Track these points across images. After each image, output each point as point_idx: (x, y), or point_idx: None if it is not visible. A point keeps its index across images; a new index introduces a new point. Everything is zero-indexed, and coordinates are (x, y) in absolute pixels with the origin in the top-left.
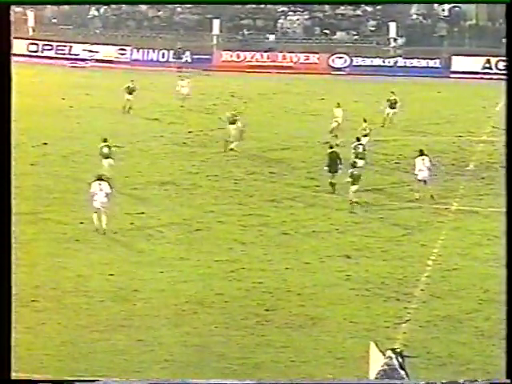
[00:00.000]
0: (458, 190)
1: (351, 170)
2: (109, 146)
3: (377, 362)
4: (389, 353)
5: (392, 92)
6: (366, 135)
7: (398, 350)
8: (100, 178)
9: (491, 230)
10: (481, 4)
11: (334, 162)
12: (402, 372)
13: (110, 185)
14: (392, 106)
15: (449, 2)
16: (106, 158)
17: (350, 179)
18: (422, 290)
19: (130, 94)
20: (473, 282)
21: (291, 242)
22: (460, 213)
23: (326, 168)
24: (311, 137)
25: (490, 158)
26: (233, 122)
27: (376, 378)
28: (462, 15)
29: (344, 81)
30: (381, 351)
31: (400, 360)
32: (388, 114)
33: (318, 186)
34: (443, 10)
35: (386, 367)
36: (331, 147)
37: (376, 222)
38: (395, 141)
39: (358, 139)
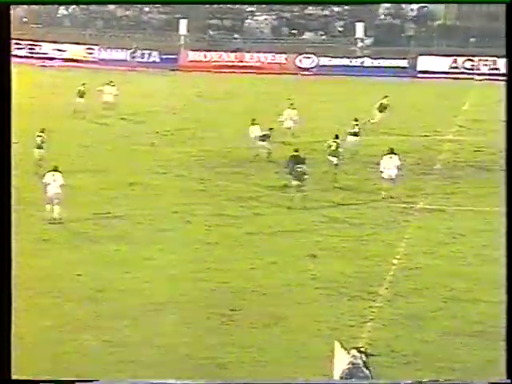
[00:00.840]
0: (425, 189)
1: (297, 167)
2: (42, 137)
3: (341, 360)
4: (353, 352)
5: (385, 96)
6: (355, 134)
7: (363, 349)
8: (54, 169)
9: (457, 229)
10: (449, 4)
11: (295, 162)
12: (366, 371)
13: (62, 176)
14: (381, 109)
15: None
16: (39, 148)
17: (290, 176)
18: (386, 288)
19: (81, 97)
20: (438, 281)
21: (257, 242)
22: (426, 212)
23: (288, 167)
24: (276, 136)
25: (457, 157)
26: (263, 140)
27: (341, 378)
28: (430, 15)
29: (311, 81)
30: (345, 350)
31: (364, 359)
32: (378, 117)
33: (284, 186)
34: (411, 10)
35: (350, 366)
36: (296, 150)
37: (342, 221)
38: (367, 140)
39: (337, 137)
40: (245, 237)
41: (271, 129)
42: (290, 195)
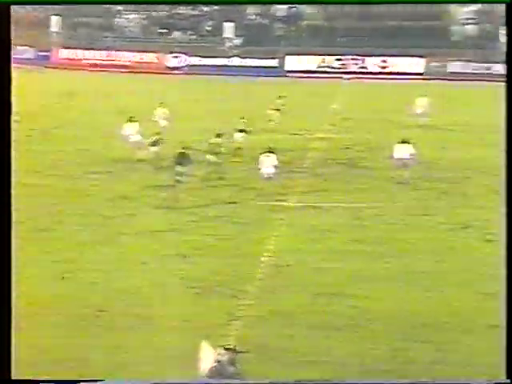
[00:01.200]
0: (296, 187)
1: (178, 166)
2: None
3: (209, 359)
4: (220, 350)
5: (280, 96)
6: (241, 131)
7: (230, 347)
8: None
9: (326, 225)
10: (317, 5)
11: (181, 160)
12: (233, 368)
13: None
14: (277, 108)
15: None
16: None
17: (169, 175)
18: (256, 286)
19: None
20: (307, 277)
21: (128, 242)
22: (297, 209)
23: (177, 167)
24: (147, 135)
25: (327, 154)
26: (153, 145)
27: (207, 376)
28: (299, 15)
29: (183, 80)
30: (213, 349)
31: (231, 356)
32: (275, 115)
33: (159, 186)
34: (280, 10)
35: (216, 364)
36: (184, 148)
37: (214, 220)
38: (250, 138)
39: (219, 136)
40: (117, 237)
41: (158, 133)
42: (165, 195)
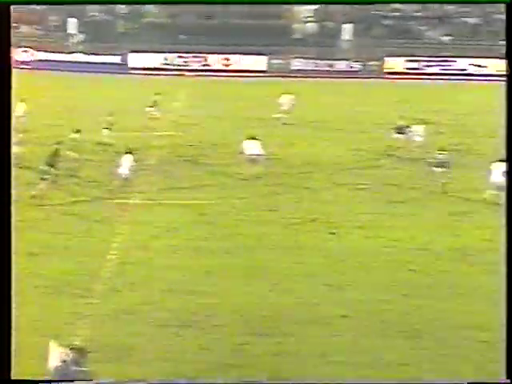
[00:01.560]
0: (142, 185)
1: (46, 164)
2: None
3: (55, 359)
4: (66, 350)
5: (157, 93)
6: (107, 128)
7: (76, 347)
8: None
9: (172, 223)
10: (161, 4)
11: (49, 159)
12: (78, 368)
13: None
14: (153, 105)
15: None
16: None
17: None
18: (103, 284)
19: None
20: (153, 274)
21: None
22: (142, 207)
23: (41, 165)
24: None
25: (172, 152)
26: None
27: (53, 376)
28: (142, 13)
29: (31, 75)
30: (60, 348)
31: (76, 356)
32: (152, 113)
33: (18, 184)
34: (123, 8)
35: (61, 364)
36: (49, 145)
37: (64, 218)
38: (104, 136)
39: (78, 131)
40: None
41: (20, 131)
42: (23, 193)
